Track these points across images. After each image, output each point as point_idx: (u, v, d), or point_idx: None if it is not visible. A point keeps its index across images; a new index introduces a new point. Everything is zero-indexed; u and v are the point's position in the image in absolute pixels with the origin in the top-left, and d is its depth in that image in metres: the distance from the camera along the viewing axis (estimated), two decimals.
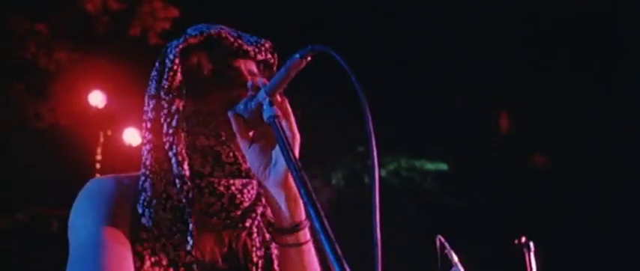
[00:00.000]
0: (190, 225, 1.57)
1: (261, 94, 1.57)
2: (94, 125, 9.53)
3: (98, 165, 9.76)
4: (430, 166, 12.60)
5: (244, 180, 1.65)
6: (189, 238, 1.56)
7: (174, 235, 1.56)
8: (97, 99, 9.19)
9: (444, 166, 12.55)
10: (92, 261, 1.52)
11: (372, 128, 1.40)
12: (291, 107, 1.62)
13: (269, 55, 1.75)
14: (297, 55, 1.50)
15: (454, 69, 10.93)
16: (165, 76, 1.64)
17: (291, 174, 1.41)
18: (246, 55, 1.70)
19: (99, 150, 9.74)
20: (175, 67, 1.64)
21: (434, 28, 11.09)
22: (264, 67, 1.76)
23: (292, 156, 1.43)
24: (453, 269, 3.09)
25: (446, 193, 11.73)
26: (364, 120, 1.40)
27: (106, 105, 9.23)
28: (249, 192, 1.65)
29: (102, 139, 9.68)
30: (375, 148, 1.39)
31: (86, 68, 9.03)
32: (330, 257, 1.26)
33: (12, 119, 9.48)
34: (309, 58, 1.50)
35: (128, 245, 1.56)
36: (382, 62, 10.79)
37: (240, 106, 1.64)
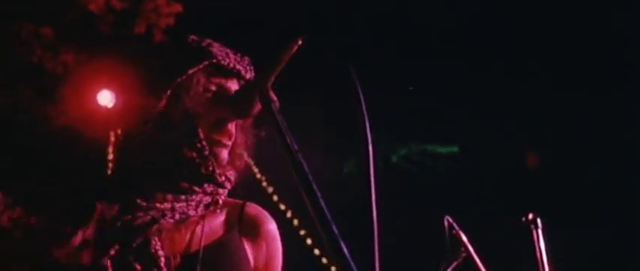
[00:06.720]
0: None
1: (257, 81, 1.59)
2: (105, 124, 9.55)
3: (110, 164, 9.80)
4: (442, 150, 12.57)
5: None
6: None
7: None
8: (105, 98, 9.21)
9: (455, 149, 12.52)
10: None
11: (366, 116, 1.43)
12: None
13: (251, 74, 1.81)
14: (287, 42, 1.52)
15: (466, 52, 10.84)
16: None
17: (287, 156, 1.44)
18: (237, 74, 1.76)
19: (110, 150, 9.77)
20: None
21: (443, 8, 10.98)
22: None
23: (289, 140, 1.46)
24: (462, 249, 3.10)
25: (458, 176, 11.70)
26: (357, 107, 1.43)
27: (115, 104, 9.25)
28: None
29: (113, 138, 9.71)
30: (370, 141, 1.43)
31: (93, 68, 9.06)
32: (326, 238, 1.27)
33: (23, 123, 9.51)
34: (299, 42, 1.51)
35: None
36: (389, 46, 10.75)
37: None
